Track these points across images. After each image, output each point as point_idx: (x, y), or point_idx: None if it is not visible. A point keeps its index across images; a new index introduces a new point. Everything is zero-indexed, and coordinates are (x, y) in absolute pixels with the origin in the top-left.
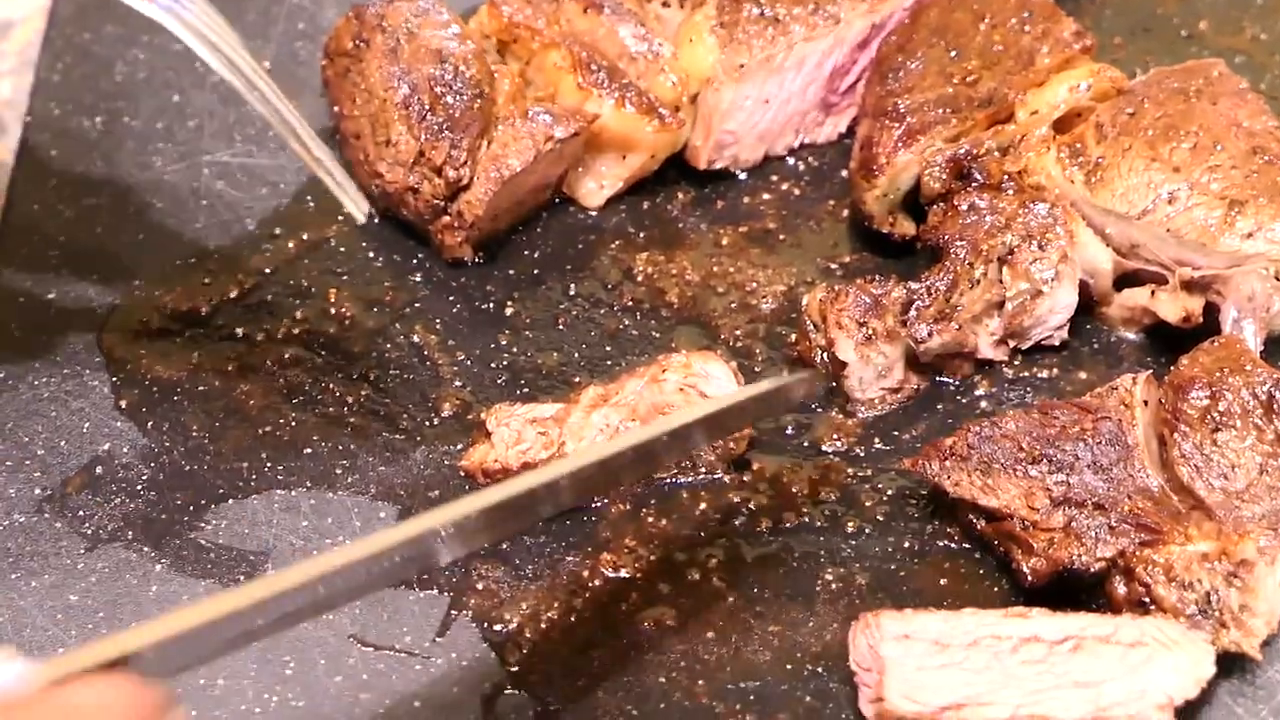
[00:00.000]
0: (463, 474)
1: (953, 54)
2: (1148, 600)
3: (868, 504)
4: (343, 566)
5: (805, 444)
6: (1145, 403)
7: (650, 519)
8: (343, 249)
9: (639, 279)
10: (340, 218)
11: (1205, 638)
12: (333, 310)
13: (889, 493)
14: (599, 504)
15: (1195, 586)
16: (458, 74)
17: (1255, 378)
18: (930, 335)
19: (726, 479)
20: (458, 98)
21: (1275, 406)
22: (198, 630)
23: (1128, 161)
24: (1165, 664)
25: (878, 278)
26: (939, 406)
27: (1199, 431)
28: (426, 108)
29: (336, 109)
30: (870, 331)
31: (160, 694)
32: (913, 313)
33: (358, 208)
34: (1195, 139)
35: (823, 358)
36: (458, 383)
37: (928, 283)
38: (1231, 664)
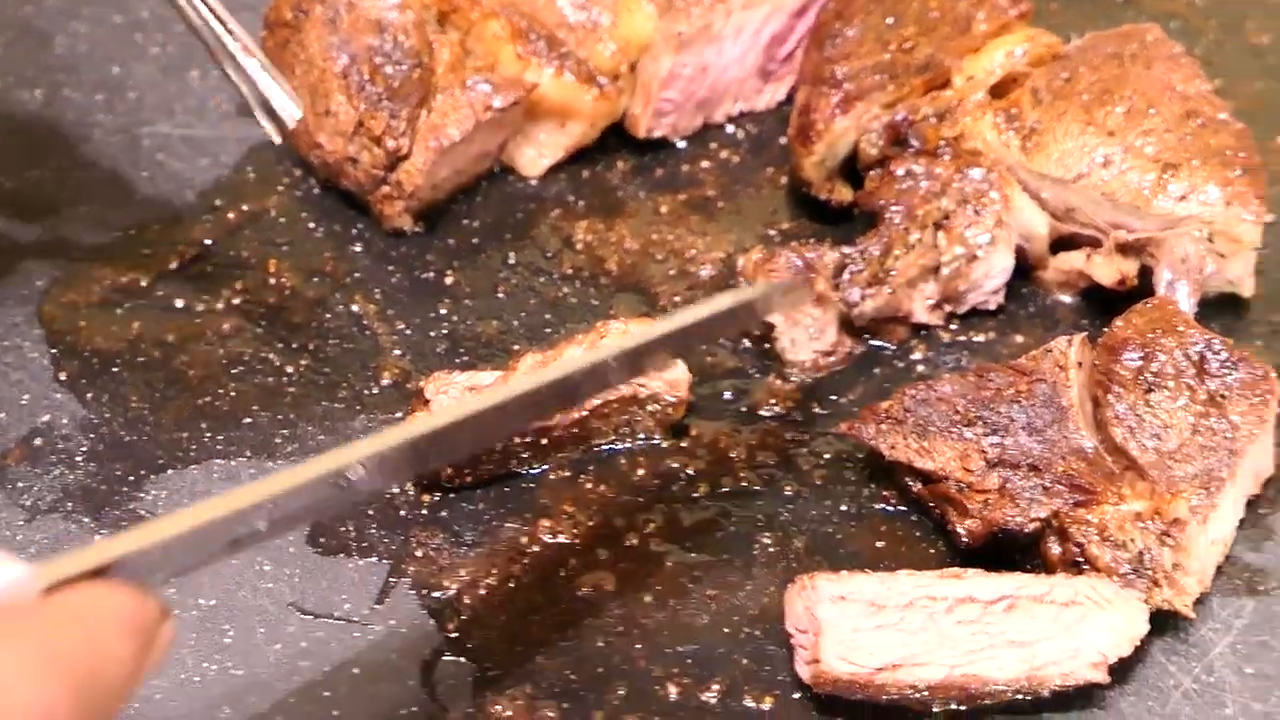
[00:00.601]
0: None
1: (890, 21)
2: (1081, 560)
3: (805, 468)
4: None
5: (742, 409)
6: (1079, 364)
7: (588, 485)
8: (283, 219)
9: (579, 247)
10: (280, 188)
11: (1138, 596)
12: (273, 281)
13: (826, 456)
14: (537, 470)
15: (1128, 546)
16: (396, 44)
17: (1188, 338)
18: (863, 299)
19: (664, 444)
20: (396, 68)
21: (1207, 367)
22: (181, 536)
23: (1063, 126)
24: (1099, 623)
25: (812, 241)
26: (876, 371)
27: (1132, 392)
28: (365, 78)
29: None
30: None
31: (154, 602)
32: (845, 276)
33: (288, 112)
34: (1130, 103)
35: None
36: (397, 352)
37: (861, 247)
38: (1165, 622)
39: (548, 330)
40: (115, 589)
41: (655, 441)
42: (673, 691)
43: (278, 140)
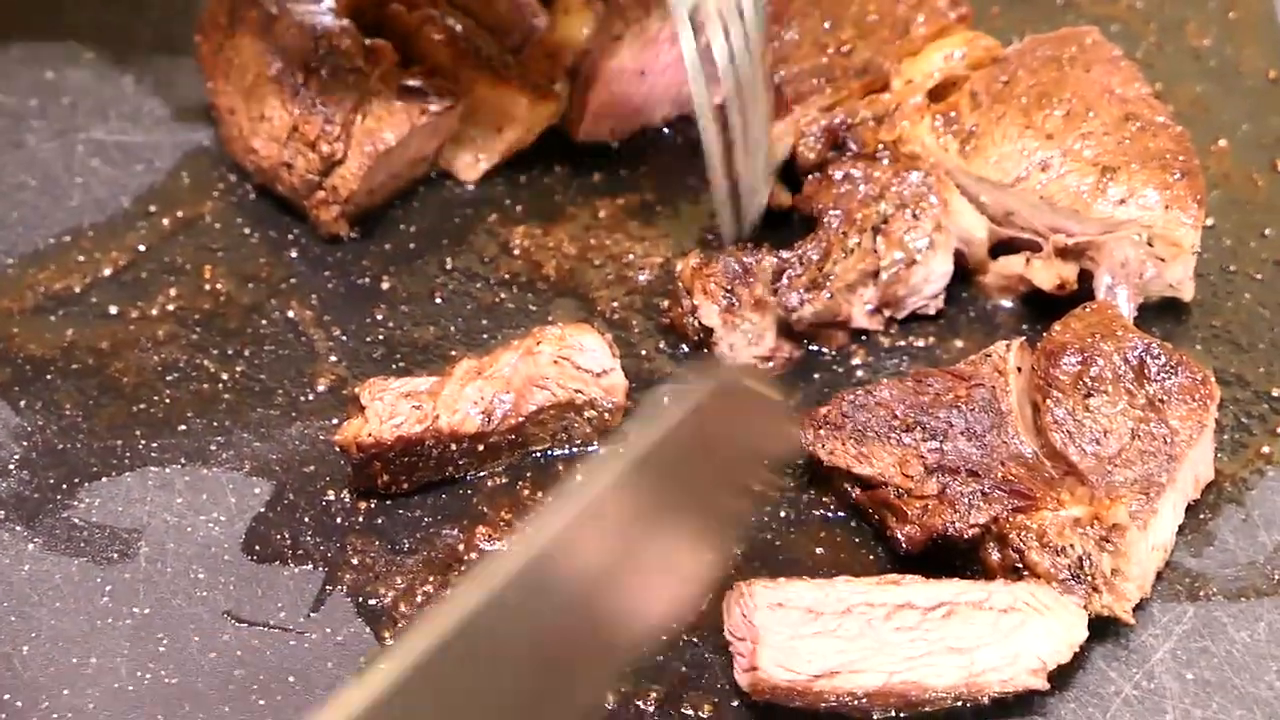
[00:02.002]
0: (338, 449)
1: (828, 24)
2: (1021, 566)
3: None
4: None
5: None
6: (1019, 369)
7: (526, 491)
8: (218, 225)
9: (516, 252)
10: (215, 194)
11: (1078, 602)
12: (207, 287)
13: (765, 462)
14: (474, 476)
15: (1068, 551)
16: (331, 48)
17: (1126, 343)
18: (801, 304)
19: (601, 450)
20: (331, 72)
21: (1146, 371)
22: None
23: (1001, 129)
24: (1038, 629)
25: (749, 246)
26: (815, 376)
27: (1071, 397)
28: (300, 82)
29: (210, 85)
30: (735, 298)
31: None
32: (784, 281)
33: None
34: (1068, 106)
35: (693, 324)
36: (333, 358)
37: (799, 251)
38: (1104, 628)
39: (484, 336)
40: None
41: (593, 448)
42: (611, 699)
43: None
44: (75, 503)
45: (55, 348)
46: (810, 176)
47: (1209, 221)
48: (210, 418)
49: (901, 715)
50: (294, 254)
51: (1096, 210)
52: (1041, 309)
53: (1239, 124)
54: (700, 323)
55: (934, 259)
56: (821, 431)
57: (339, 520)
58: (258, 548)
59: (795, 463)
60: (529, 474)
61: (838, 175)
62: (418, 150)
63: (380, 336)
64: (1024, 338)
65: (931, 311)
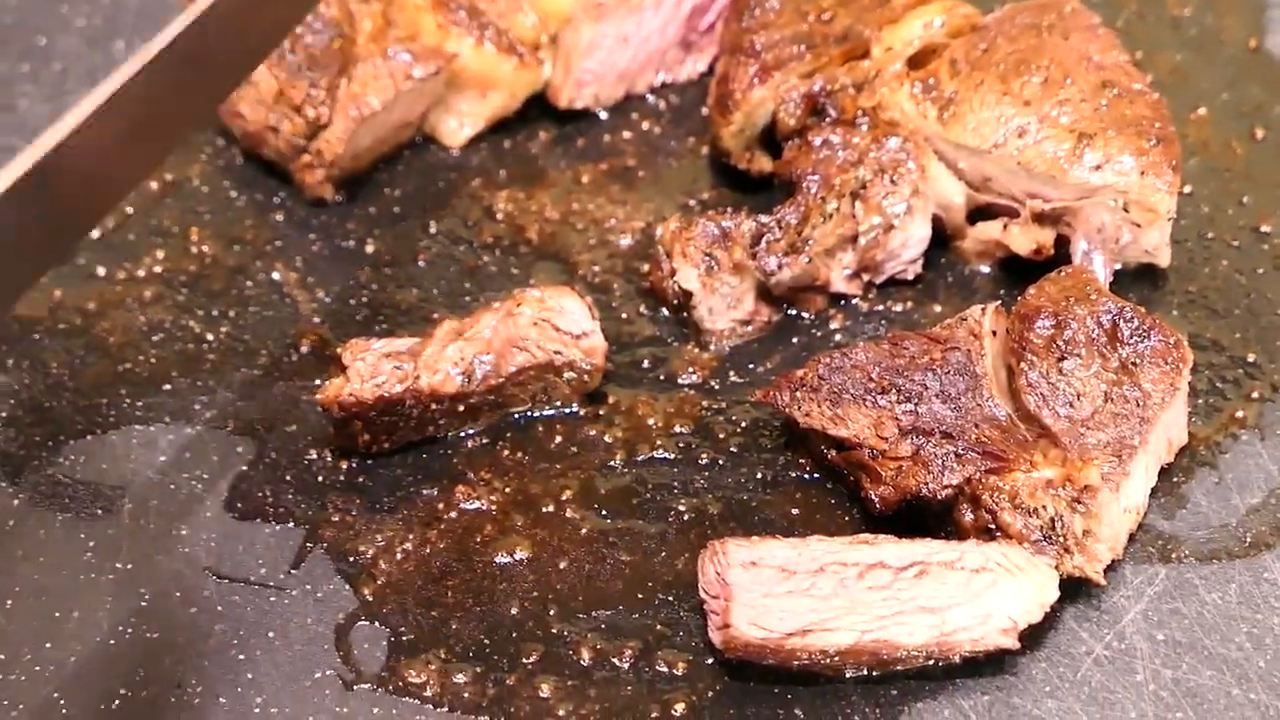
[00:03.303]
0: (320, 408)
1: None
2: (994, 527)
3: (721, 436)
4: None
5: (660, 377)
6: (994, 333)
7: (505, 451)
8: (205, 189)
9: (499, 217)
10: (202, 157)
11: (1049, 563)
12: (193, 249)
13: (742, 425)
14: (454, 436)
15: (1040, 513)
16: (317, 13)
17: (1100, 307)
18: (780, 267)
19: (581, 412)
20: (317, 37)
21: (1120, 335)
22: None
23: (980, 96)
24: (1009, 589)
25: (729, 210)
26: (794, 340)
27: (1045, 360)
28: (286, 47)
29: None
30: (714, 262)
31: None
32: (762, 245)
33: None
34: (1046, 73)
35: (673, 287)
36: (317, 319)
37: (778, 216)
38: (1076, 589)
39: (466, 299)
40: None
41: (573, 409)
42: (586, 655)
43: None
44: (60, 459)
45: (43, 307)
46: (790, 142)
47: (1187, 189)
48: (194, 377)
49: (873, 673)
50: (279, 217)
51: (1073, 176)
52: (1019, 274)
53: (1218, 92)
54: (680, 286)
55: (912, 224)
56: (798, 394)
57: (320, 478)
58: (239, 505)
59: (772, 424)
60: (509, 435)
61: (817, 141)
62: (402, 115)
63: (363, 299)
64: (999, 302)
65: (909, 276)
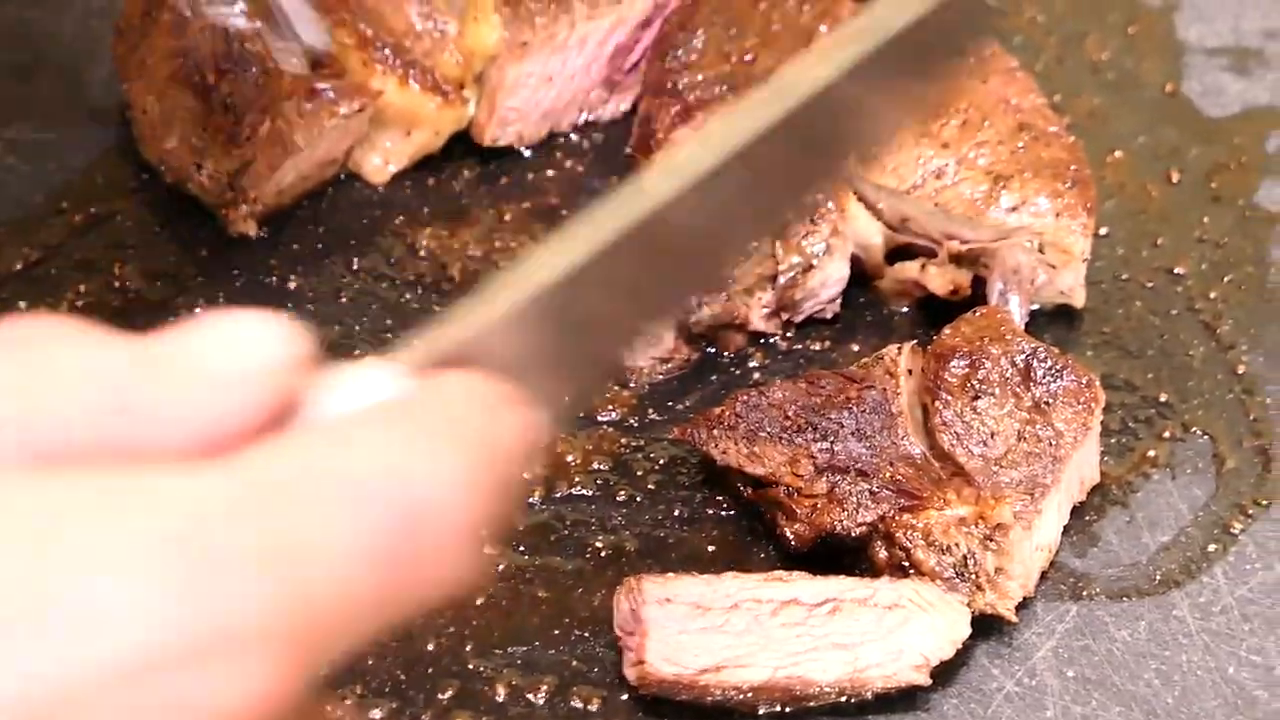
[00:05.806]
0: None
1: (732, 32)
2: (907, 564)
3: (639, 473)
4: None
5: (580, 414)
6: (910, 372)
7: None
8: (130, 223)
9: (422, 254)
10: (128, 192)
11: (961, 600)
12: (117, 284)
13: (661, 462)
14: None
15: (953, 550)
16: (243, 50)
17: (1014, 346)
18: (700, 306)
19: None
20: (242, 74)
21: (1033, 374)
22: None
23: (899, 137)
24: (922, 625)
25: None
26: (713, 378)
27: (959, 399)
28: (211, 84)
29: (125, 85)
30: None
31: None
32: None
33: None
34: (965, 115)
35: None
36: None
37: None
38: (988, 626)
39: (388, 335)
40: (471, 376)
41: None
42: (502, 691)
43: (298, 68)
44: None
45: None
46: None
47: (1103, 230)
48: None
49: (786, 709)
50: (204, 252)
51: (989, 218)
52: (937, 314)
53: (1135, 135)
54: None
55: (830, 264)
56: (715, 431)
57: None
58: None
59: (690, 461)
60: None
61: None
62: (327, 152)
63: None
64: (916, 341)
65: (828, 315)
